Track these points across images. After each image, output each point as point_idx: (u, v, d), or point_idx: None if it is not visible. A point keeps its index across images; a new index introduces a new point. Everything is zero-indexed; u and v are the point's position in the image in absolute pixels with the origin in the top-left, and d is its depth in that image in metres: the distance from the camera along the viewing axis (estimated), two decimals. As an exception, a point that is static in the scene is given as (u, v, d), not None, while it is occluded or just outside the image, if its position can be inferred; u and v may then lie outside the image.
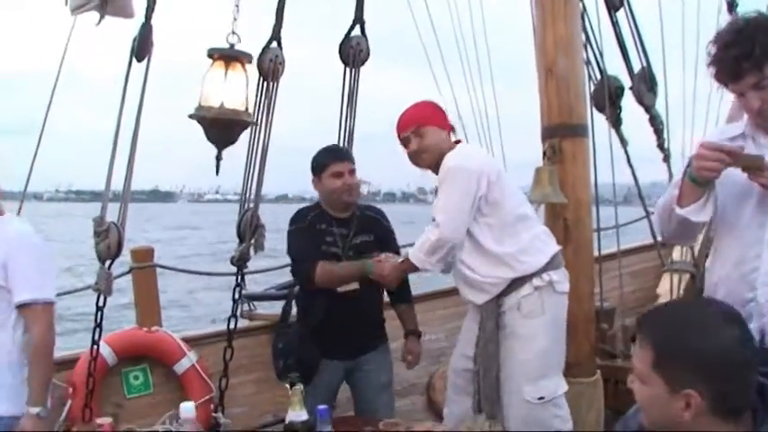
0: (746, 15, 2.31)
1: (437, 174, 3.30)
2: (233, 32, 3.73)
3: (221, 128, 3.78)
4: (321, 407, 2.75)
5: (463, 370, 3.45)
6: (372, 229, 3.79)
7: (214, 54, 3.76)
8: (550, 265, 3.24)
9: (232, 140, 3.92)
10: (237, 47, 3.78)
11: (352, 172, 3.70)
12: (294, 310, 4.11)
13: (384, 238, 3.80)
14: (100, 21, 2.99)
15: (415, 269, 3.35)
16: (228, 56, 3.74)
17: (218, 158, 3.75)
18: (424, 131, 3.35)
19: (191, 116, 3.76)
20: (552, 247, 3.32)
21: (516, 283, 3.22)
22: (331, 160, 3.71)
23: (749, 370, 1.55)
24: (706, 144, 2.28)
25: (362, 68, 4.61)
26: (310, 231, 3.73)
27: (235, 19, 3.67)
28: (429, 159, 3.37)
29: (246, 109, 3.82)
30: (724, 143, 2.30)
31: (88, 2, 2.95)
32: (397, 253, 3.72)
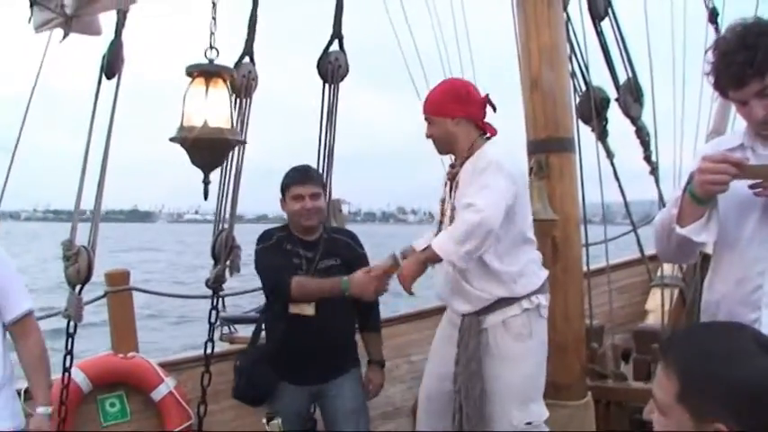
0: (746, 21, 2.21)
1: (450, 155, 3.30)
2: (211, 47, 3.57)
3: (206, 149, 3.59)
4: None
5: (438, 392, 3.34)
6: (339, 253, 3.66)
7: (194, 71, 3.60)
8: (540, 290, 3.17)
9: (219, 162, 3.67)
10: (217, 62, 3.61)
11: (315, 196, 3.60)
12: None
13: (352, 262, 3.62)
14: (64, 38, 2.86)
15: (437, 261, 3.05)
16: (209, 72, 3.57)
17: (206, 183, 3.54)
18: (433, 120, 3.24)
19: (172, 139, 3.57)
20: (544, 272, 3.25)
21: (503, 303, 3.13)
22: (292, 182, 3.64)
23: None
24: (710, 157, 2.16)
25: (341, 86, 4.52)
26: (278, 250, 3.66)
27: (212, 33, 3.49)
28: (439, 146, 3.29)
29: (232, 126, 3.66)
30: (729, 155, 2.16)
31: (52, 19, 2.82)
32: None
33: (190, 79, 3.58)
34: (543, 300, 3.17)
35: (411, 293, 3.09)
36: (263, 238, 3.76)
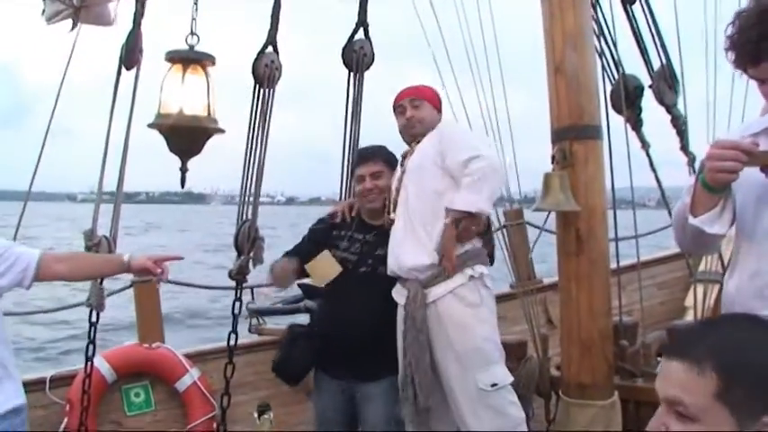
0: None
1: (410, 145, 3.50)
2: (192, 33, 3.51)
3: (182, 136, 3.52)
4: None
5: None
6: None
7: (174, 57, 3.54)
8: (478, 256, 3.29)
9: (196, 150, 3.65)
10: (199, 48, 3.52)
11: (376, 175, 3.53)
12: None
13: None
14: (73, 28, 2.86)
15: (470, 217, 3.16)
16: (187, 58, 3.49)
17: (183, 170, 3.50)
18: (422, 104, 3.47)
19: (150, 125, 3.53)
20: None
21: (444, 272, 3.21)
22: (355, 164, 3.68)
23: None
24: (719, 143, 2.02)
25: (372, 74, 4.44)
26: (321, 233, 3.67)
27: (194, 18, 3.43)
28: (419, 129, 3.45)
29: (209, 115, 3.56)
30: (739, 140, 2.02)
31: (62, 10, 2.82)
32: None
33: (169, 65, 3.55)
34: (485, 270, 3.28)
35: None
36: (318, 221, 3.78)
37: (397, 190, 3.43)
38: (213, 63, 3.51)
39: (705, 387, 1.25)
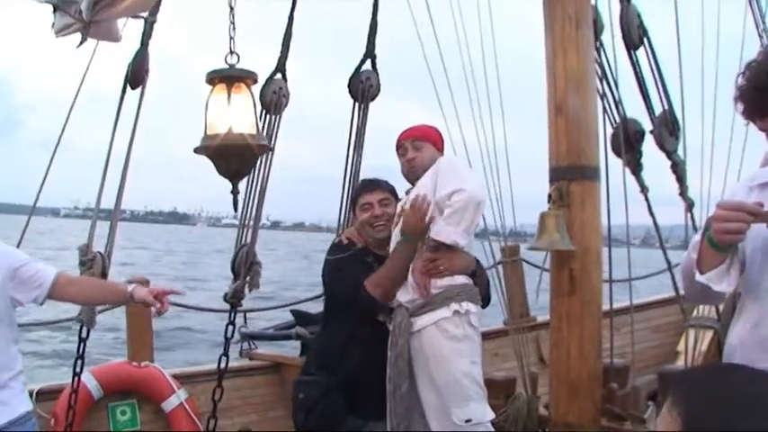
0: None
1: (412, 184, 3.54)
2: (231, 52, 3.53)
3: (232, 156, 3.53)
4: None
5: None
6: None
7: (214, 77, 3.57)
8: (469, 294, 3.32)
9: (246, 170, 3.59)
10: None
11: (384, 202, 3.55)
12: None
13: None
14: (81, 43, 2.89)
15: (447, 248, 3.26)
16: (230, 76, 3.52)
17: (235, 193, 3.51)
18: (424, 146, 3.53)
19: (196, 150, 3.55)
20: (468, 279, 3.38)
21: (433, 301, 3.26)
22: (360, 191, 3.67)
23: None
24: (725, 204, 2.04)
25: (379, 100, 4.48)
26: (356, 261, 3.53)
27: (231, 38, 3.45)
28: (420, 170, 3.49)
29: (258, 132, 3.57)
30: (744, 201, 2.04)
31: (71, 24, 2.85)
32: None
33: (211, 86, 3.56)
34: (473, 308, 3.30)
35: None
36: (337, 248, 3.63)
37: (397, 225, 3.48)
38: (255, 81, 3.50)
39: (672, 427, 1.25)
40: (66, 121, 3.87)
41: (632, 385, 3.72)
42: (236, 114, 3.44)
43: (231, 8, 3.11)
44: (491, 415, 3.29)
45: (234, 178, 3.69)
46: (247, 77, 3.55)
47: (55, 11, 3.06)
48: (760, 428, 1.19)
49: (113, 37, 3.05)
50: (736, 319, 2.31)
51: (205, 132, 3.54)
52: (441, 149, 3.61)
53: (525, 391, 3.85)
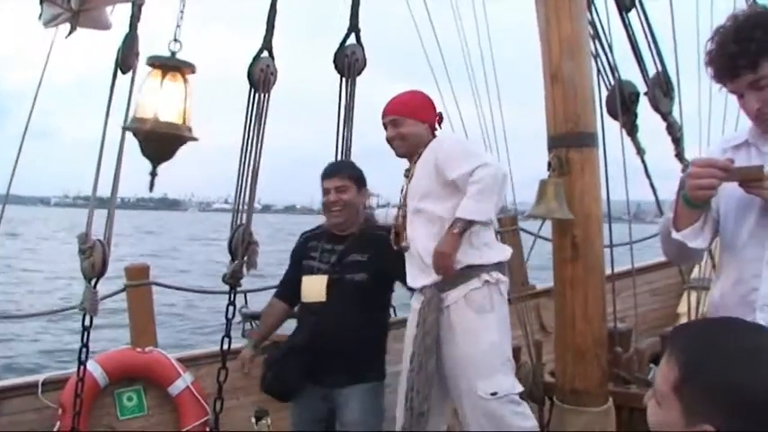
0: (745, 11, 2.19)
1: (409, 161, 3.51)
2: (175, 39, 3.53)
3: (156, 142, 3.56)
4: None
5: None
6: (369, 249, 3.59)
7: (154, 62, 3.56)
8: (500, 268, 3.34)
9: (168, 156, 3.68)
10: (180, 55, 3.57)
11: (341, 189, 3.60)
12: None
13: (382, 259, 3.56)
14: (70, 33, 2.84)
15: (471, 227, 3.23)
16: (166, 65, 3.53)
17: (153, 174, 3.55)
18: (403, 121, 3.46)
19: (125, 128, 3.56)
20: (508, 251, 3.47)
21: (465, 275, 3.26)
22: (322, 176, 3.69)
23: None
24: (698, 161, 2.16)
25: (368, 79, 4.45)
26: (299, 249, 3.80)
27: (178, 25, 3.46)
28: (404, 148, 3.49)
29: (185, 122, 3.59)
30: (716, 158, 2.15)
31: (60, 14, 2.80)
32: (400, 280, 3.59)
33: (149, 69, 3.56)
34: (502, 277, 3.33)
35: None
36: (300, 235, 3.88)
37: (403, 216, 3.51)
38: (193, 71, 3.55)
39: (668, 376, 1.31)
40: (32, 111, 3.78)
41: (636, 348, 3.73)
42: (166, 102, 3.52)
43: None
44: (519, 387, 3.29)
45: (155, 161, 3.71)
46: (185, 68, 3.59)
47: (42, 2, 3.02)
48: (754, 378, 1.23)
49: (103, 25, 3.01)
50: (717, 276, 2.40)
51: (135, 113, 3.57)
52: (426, 118, 3.53)
53: (530, 360, 3.86)
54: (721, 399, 1.24)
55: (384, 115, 3.52)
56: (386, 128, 3.52)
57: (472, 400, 3.18)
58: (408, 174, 3.52)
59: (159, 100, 3.42)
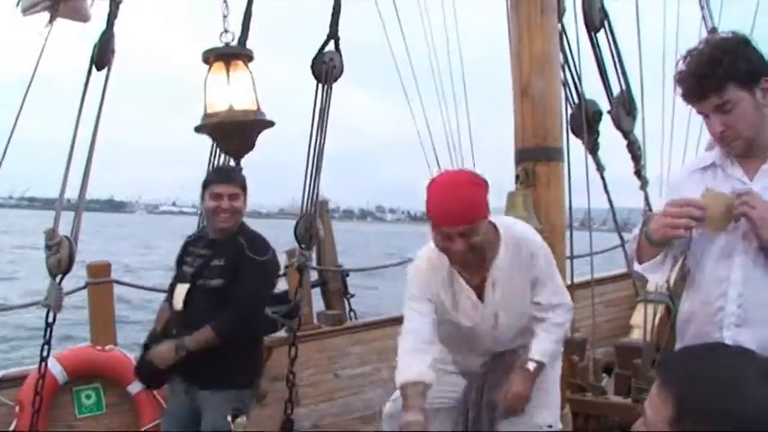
0: (718, 37, 2.29)
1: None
2: (226, 30, 3.49)
3: (234, 133, 3.55)
4: None
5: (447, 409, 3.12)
6: (228, 255, 3.46)
7: (210, 56, 3.51)
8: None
9: (249, 146, 3.69)
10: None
11: (234, 197, 3.47)
12: None
13: (237, 265, 3.42)
14: (50, 22, 2.83)
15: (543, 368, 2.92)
16: (228, 54, 3.49)
17: (239, 168, 3.49)
18: (475, 229, 2.58)
19: (197, 128, 3.48)
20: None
21: None
22: (213, 180, 3.53)
23: None
24: (674, 202, 2.21)
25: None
26: (180, 254, 3.68)
27: (225, 16, 3.41)
28: (478, 255, 2.68)
29: (258, 107, 3.55)
30: (695, 199, 2.18)
31: (39, 3, 2.79)
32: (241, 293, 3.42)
33: (207, 65, 3.49)
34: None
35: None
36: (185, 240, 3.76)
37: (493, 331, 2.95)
38: (252, 58, 3.44)
39: (662, 411, 1.34)
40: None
41: (593, 357, 3.86)
42: (237, 91, 3.48)
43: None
44: (560, 426, 3.18)
45: (238, 155, 3.70)
46: (244, 54, 3.58)
47: (21, -12, 3.00)
48: (745, 405, 1.28)
49: (83, 16, 3.01)
50: (687, 292, 2.48)
51: (205, 111, 3.54)
52: (488, 211, 2.68)
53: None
54: (717, 429, 1.28)
55: (447, 225, 2.58)
56: (446, 238, 2.61)
57: (529, 425, 2.98)
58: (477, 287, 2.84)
59: (229, 91, 3.32)
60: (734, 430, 1.28)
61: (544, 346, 2.88)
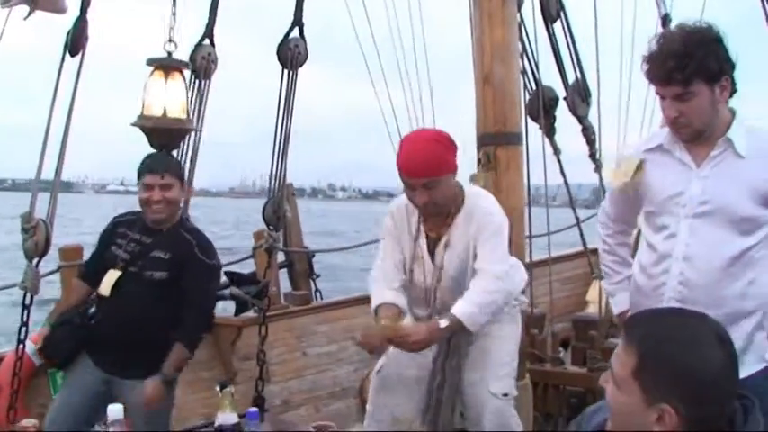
0: (695, 26, 2.30)
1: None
2: (170, 41, 3.86)
3: (164, 136, 3.88)
4: (251, 410, 2.76)
5: (397, 377, 3.26)
6: (173, 249, 3.39)
7: (154, 63, 3.85)
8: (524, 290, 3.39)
9: (174, 147, 4.06)
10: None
11: (166, 187, 3.36)
12: None
13: (183, 263, 3.36)
14: (29, 14, 2.91)
15: (457, 328, 2.95)
16: (168, 65, 3.86)
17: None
18: (440, 181, 2.86)
19: (134, 124, 3.85)
20: (525, 275, 3.44)
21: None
22: (145, 169, 3.41)
23: (731, 396, 1.49)
24: None
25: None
26: (107, 233, 3.55)
27: (171, 28, 3.81)
28: (440, 208, 2.97)
29: (188, 115, 3.97)
30: None
31: (19, -6, 2.87)
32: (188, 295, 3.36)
33: (150, 69, 3.84)
34: (522, 297, 3.35)
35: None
36: (112, 219, 3.64)
37: (437, 279, 3.14)
38: (188, 67, 3.94)
39: (627, 362, 1.51)
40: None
41: (552, 331, 4.09)
42: (171, 99, 3.88)
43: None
44: (516, 393, 3.23)
45: (163, 150, 3.97)
46: (182, 66, 3.96)
47: (0, -20, 3.07)
48: (702, 362, 1.45)
49: (60, 8, 3.09)
50: (636, 261, 2.67)
51: (142, 112, 3.86)
52: (455, 168, 2.97)
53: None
54: (676, 381, 1.45)
55: (413, 176, 2.86)
56: (411, 188, 2.90)
57: (483, 396, 3.10)
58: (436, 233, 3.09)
59: (165, 98, 3.84)
60: (685, 381, 1.44)
61: (464, 307, 2.91)
